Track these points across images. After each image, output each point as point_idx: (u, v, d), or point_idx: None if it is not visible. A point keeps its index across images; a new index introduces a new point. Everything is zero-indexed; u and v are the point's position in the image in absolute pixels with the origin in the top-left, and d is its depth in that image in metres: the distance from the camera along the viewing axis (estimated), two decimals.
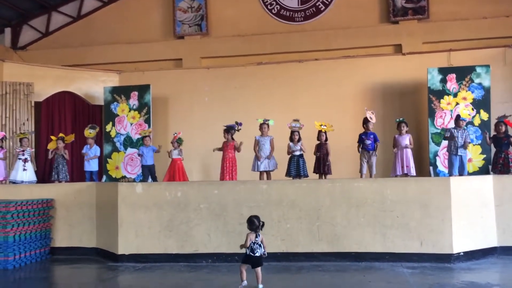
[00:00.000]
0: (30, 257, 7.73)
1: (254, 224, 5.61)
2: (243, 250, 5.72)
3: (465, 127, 9.31)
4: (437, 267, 6.67)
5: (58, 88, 11.60)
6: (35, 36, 13.59)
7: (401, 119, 8.70)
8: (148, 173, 9.50)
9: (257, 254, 5.62)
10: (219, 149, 8.84)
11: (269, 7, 12.48)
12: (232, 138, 8.79)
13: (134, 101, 11.23)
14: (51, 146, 9.58)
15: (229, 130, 8.77)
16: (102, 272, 7.13)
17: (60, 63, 12.36)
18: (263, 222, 5.68)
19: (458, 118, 8.40)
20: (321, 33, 11.98)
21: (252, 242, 5.60)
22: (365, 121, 8.54)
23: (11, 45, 13.46)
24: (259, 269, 5.66)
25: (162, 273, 6.81)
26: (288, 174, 8.32)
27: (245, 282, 5.70)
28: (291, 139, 8.40)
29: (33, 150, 9.93)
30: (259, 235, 5.64)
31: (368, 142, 8.45)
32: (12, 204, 7.48)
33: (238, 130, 8.77)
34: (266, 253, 5.70)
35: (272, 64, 11.63)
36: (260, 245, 5.63)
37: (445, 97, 10.00)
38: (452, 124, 9.11)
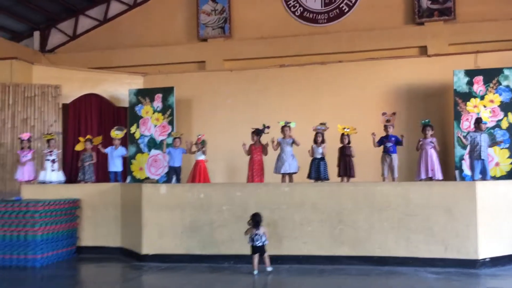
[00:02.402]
0: (57, 256, 7.95)
1: (253, 220, 6.72)
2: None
3: (489, 130, 9.20)
4: (462, 272, 6.59)
5: (85, 90, 11.89)
6: (63, 39, 13.98)
7: (426, 121, 8.61)
8: (174, 174, 9.64)
9: (258, 244, 6.68)
10: (247, 153, 8.91)
11: (292, 9, 12.52)
12: (260, 142, 8.86)
13: (158, 103, 11.43)
14: (78, 147, 9.82)
15: (258, 133, 8.84)
16: (127, 271, 7.29)
17: (86, 65, 12.69)
18: (256, 220, 6.69)
19: (479, 122, 8.26)
20: (344, 35, 11.97)
21: (253, 234, 6.69)
22: (385, 125, 8.53)
23: (40, 48, 13.88)
24: (265, 255, 6.77)
25: (184, 274, 6.92)
26: (309, 176, 8.34)
27: (256, 271, 6.70)
28: (315, 141, 8.42)
29: (60, 151, 10.19)
30: (259, 228, 6.68)
31: (389, 145, 8.40)
32: (40, 203, 7.72)
33: (265, 133, 8.86)
34: (267, 242, 6.76)
35: (295, 66, 11.65)
36: (260, 236, 6.68)
37: (472, 99, 9.85)
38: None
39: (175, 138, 9.84)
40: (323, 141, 8.41)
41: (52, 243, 7.85)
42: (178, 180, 9.59)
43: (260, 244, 6.69)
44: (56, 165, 9.45)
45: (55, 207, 7.97)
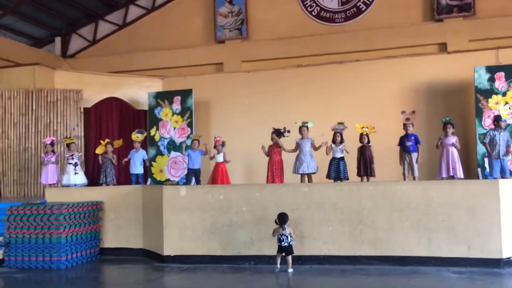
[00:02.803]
0: (81, 257, 8.10)
1: (279, 219, 6.82)
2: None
3: (511, 128, 9.05)
4: (486, 272, 6.50)
5: (105, 94, 12.10)
6: (83, 44, 14.27)
7: (447, 119, 8.51)
8: (193, 176, 9.73)
9: (284, 244, 6.80)
10: (267, 154, 8.95)
11: (309, 9, 12.52)
12: (278, 142, 8.90)
13: (177, 106, 11.55)
14: (99, 150, 9.98)
15: (278, 134, 8.88)
16: (149, 272, 7.40)
17: (106, 70, 12.92)
18: (283, 218, 6.83)
19: (498, 119, 8.12)
20: (362, 33, 11.92)
21: (279, 234, 6.80)
22: (404, 124, 8.46)
23: (61, 54, 14.19)
24: (289, 257, 6.85)
25: (205, 274, 6.99)
26: (328, 176, 8.33)
27: (278, 267, 6.90)
28: (333, 141, 8.41)
29: (81, 154, 10.37)
30: (285, 228, 6.79)
31: (409, 143, 8.34)
32: (64, 206, 7.88)
33: (285, 136, 8.89)
34: (293, 242, 6.88)
35: (312, 66, 11.66)
36: (287, 237, 6.78)
37: (493, 96, 9.70)
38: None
39: (193, 140, 9.93)
40: (342, 141, 8.39)
41: (76, 245, 8.00)
42: (197, 182, 9.67)
43: (286, 244, 6.81)
44: (78, 168, 9.62)
45: (79, 210, 8.12)
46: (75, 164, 9.57)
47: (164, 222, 7.72)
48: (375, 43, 11.76)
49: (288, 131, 8.87)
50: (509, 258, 6.73)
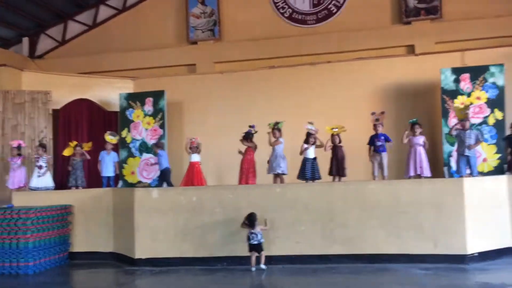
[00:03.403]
0: (50, 262, 7.94)
1: (248, 220, 7.08)
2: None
3: (476, 127, 9.31)
4: (451, 268, 6.69)
5: (75, 95, 11.87)
6: (52, 44, 13.97)
7: (414, 120, 8.72)
8: (163, 177, 9.67)
9: (254, 242, 7.02)
10: (241, 153, 9.01)
11: (281, 10, 12.61)
12: (251, 142, 8.98)
13: (149, 107, 11.45)
14: (67, 152, 9.80)
15: (247, 137, 8.94)
16: (120, 276, 7.32)
17: (76, 71, 12.67)
18: (251, 220, 7.05)
19: (464, 120, 8.34)
20: (333, 35, 12.06)
21: (249, 232, 7.05)
22: (374, 124, 8.64)
23: (29, 54, 13.85)
24: (262, 253, 7.08)
25: (178, 277, 6.96)
26: (302, 177, 8.40)
27: (253, 268, 7.02)
28: (306, 141, 8.48)
29: (50, 156, 10.15)
30: (255, 227, 7.02)
31: (379, 143, 8.51)
32: (32, 210, 7.71)
33: (254, 133, 8.93)
34: (263, 240, 7.09)
35: (285, 68, 11.72)
36: (256, 235, 7.02)
37: (459, 97, 9.96)
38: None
39: (155, 144, 9.93)
40: (314, 143, 8.47)
41: (44, 250, 7.84)
42: (168, 183, 9.61)
43: (255, 242, 7.01)
44: (43, 171, 9.41)
45: (47, 214, 7.96)
46: (40, 167, 9.38)
47: (136, 225, 7.66)
48: (346, 45, 11.91)
49: (253, 126, 8.95)
50: (474, 254, 6.96)
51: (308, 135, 8.51)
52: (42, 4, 13.03)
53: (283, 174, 8.61)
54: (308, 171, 8.36)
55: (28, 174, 9.83)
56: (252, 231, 7.02)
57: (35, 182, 9.33)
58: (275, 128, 8.68)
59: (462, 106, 8.99)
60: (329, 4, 12.30)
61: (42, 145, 9.79)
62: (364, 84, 11.13)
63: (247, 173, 8.79)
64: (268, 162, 8.66)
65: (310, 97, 11.34)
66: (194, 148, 9.66)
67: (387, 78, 11.02)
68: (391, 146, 8.61)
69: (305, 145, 8.44)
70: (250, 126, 9.01)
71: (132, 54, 13.07)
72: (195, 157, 9.64)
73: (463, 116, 8.39)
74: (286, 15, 12.57)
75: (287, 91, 11.49)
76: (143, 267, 7.51)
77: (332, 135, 8.59)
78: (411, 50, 11.59)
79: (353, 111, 10.71)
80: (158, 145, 9.91)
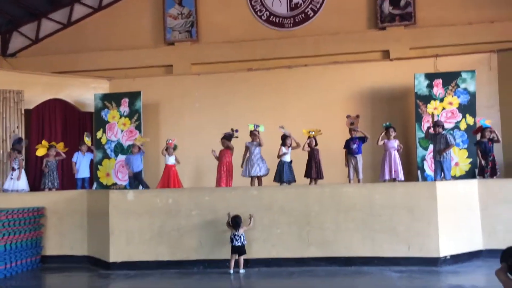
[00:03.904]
0: (22, 266, 7.73)
1: (233, 222, 7.09)
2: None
3: (449, 132, 9.51)
4: (424, 270, 6.80)
5: (49, 95, 11.60)
6: (25, 43, 13.59)
7: (388, 123, 8.84)
8: (134, 180, 9.55)
9: (237, 244, 7.00)
10: (217, 158, 8.93)
11: (258, 13, 12.60)
12: (228, 145, 8.93)
13: (124, 108, 11.29)
14: (40, 152, 9.58)
15: (228, 138, 8.90)
16: (94, 280, 7.17)
17: (50, 70, 12.37)
18: (236, 222, 7.06)
19: (435, 125, 8.49)
20: (310, 39, 12.11)
21: (232, 233, 7.05)
22: (349, 128, 8.74)
23: (1, 53, 13.45)
24: (241, 257, 7.07)
25: (153, 281, 6.86)
26: (279, 179, 8.41)
27: (231, 271, 7.03)
28: (283, 144, 8.51)
29: (22, 157, 9.89)
30: (239, 229, 7.03)
31: (354, 146, 8.60)
32: (3, 212, 7.49)
33: (236, 137, 8.92)
34: (246, 242, 7.10)
35: (262, 70, 11.73)
36: (240, 237, 7.02)
37: (432, 102, 10.16)
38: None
39: (133, 145, 9.77)
40: (290, 145, 8.51)
41: (16, 253, 7.63)
42: (142, 184, 9.49)
43: (238, 244, 7.01)
44: (16, 173, 9.15)
45: (19, 216, 7.75)
46: (13, 169, 9.12)
47: (111, 228, 7.53)
48: (322, 49, 11.99)
49: (236, 131, 8.93)
50: (446, 256, 7.08)
51: (284, 137, 8.53)
52: (15, 1, 12.68)
53: (264, 175, 8.59)
54: (285, 173, 8.38)
55: (1, 176, 9.55)
56: (236, 233, 7.02)
57: (8, 184, 9.06)
58: (255, 130, 8.66)
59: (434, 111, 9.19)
60: (306, 8, 12.37)
61: (15, 148, 9.46)
62: (340, 87, 11.23)
63: (224, 177, 8.73)
64: (242, 164, 8.63)
65: (287, 99, 11.39)
66: (171, 150, 9.57)
67: (363, 82, 11.15)
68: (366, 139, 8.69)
69: (284, 149, 8.46)
70: (233, 130, 8.91)
71: (107, 54, 12.84)
72: (171, 160, 9.57)
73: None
74: (263, 18, 12.57)
75: (265, 93, 11.49)
76: (117, 270, 7.38)
77: (309, 138, 8.65)
78: (386, 55, 11.74)
79: (329, 114, 10.80)
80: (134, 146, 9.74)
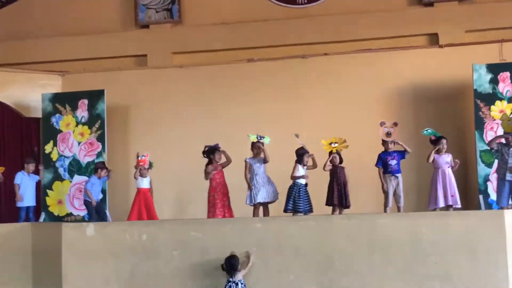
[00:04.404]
0: None
1: (228, 265, 7.13)
2: None
3: None
4: None
5: None
6: None
7: (430, 130, 8.79)
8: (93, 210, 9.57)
9: None
10: (207, 177, 8.94)
11: None
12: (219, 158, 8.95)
13: (82, 113, 11.30)
14: None
15: (209, 152, 8.93)
16: None
17: None
18: (231, 264, 7.12)
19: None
20: (331, 19, 12.16)
21: (227, 281, 7.09)
22: (384, 140, 8.70)
23: None
24: None
25: None
26: (293, 208, 8.40)
27: None
28: (299, 161, 8.51)
29: None
30: (235, 274, 7.06)
31: (393, 162, 8.56)
32: None
33: (219, 149, 8.96)
34: None
35: (268, 61, 11.77)
36: (236, 284, 7.05)
37: (497, 102, 10.17)
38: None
39: (101, 164, 9.85)
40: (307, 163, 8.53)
41: None
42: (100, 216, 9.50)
43: None
44: None
45: None
46: None
47: (64, 273, 7.56)
48: (347, 33, 11.99)
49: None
50: None
51: (302, 152, 8.54)
52: None
53: (272, 201, 8.62)
54: (301, 200, 8.38)
55: None
56: (232, 279, 7.05)
57: None
58: (259, 142, 8.67)
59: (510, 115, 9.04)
60: None
61: None
62: (371, 83, 11.24)
63: (218, 204, 8.72)
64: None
65: (301, 100, 11.41)
66: (144, 169, 9.53)
67: (402, 76, 11.16)
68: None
69: (300, 168, 8.47)
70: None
71: (59, 41, 12.92)
72: (145, 182, 9.55)
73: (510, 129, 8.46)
74: None
75: (270, 92, 11.53)
76: None
77: (331, 153, 8.62)
78: (434, 40, 11.76)
79: (357, 120, 10.83)
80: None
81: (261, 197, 8.52)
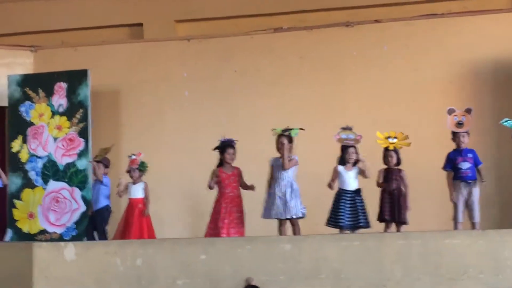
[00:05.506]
0: None
1: None
2: None
3: None
4: None
5: None
6: None
7: (509, 121, 8.70)
8: (94, 224, 9.68)
9: None
10: (211, 186, 9.02)
11: None
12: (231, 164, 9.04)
13: (60, 99, 11.34)
14: None
15: (222, 149, 9.00)
16: None
17: None
18: None
19: None
20: None
21: None
22: (454, 132, 8.62)
23: None
24: None
25: None
26: (334, 223, 8.47)
27: None
28: (342, 162, 8.54)
29: None
30: None
31: (465, 166, 8.47)
32: None
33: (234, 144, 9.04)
34: None
35: (299, 31, 11.78)
36: None
37: None
38: None
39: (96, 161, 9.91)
40: (356, 162, 8.56)
41: None
42: (100, 234, 9.58)
43: None
44: None
45: None
46: None
47: None
48: None
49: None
50: None
51: (345, 149, 8.54)
52: None
53: (299, 218, 8.62)
54: (345, 213, 8.40)
55: None
56: None
57: None
58: (284, 135, 8.67)
59: None
60: None
61: None
62: (435, 60, 11.21)
63: (227, 220, 8.79)
64: None
65: (343, 82, 11.42)
66: (135, 172, 9.55)
67: (478, 50, 11.06)
68: (482, 180, 8.54)
69: (343, 170, 8.47)
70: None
71: (32, 6, 13.05)
72: (137, 191, 9.58)
73: None
74: None
75: (304, 69, 11.56)
76: None
77: (386, 150, 8.58)
78: None
79: (420, 107, 10.83)
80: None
81: (281, 213, 8.57)
